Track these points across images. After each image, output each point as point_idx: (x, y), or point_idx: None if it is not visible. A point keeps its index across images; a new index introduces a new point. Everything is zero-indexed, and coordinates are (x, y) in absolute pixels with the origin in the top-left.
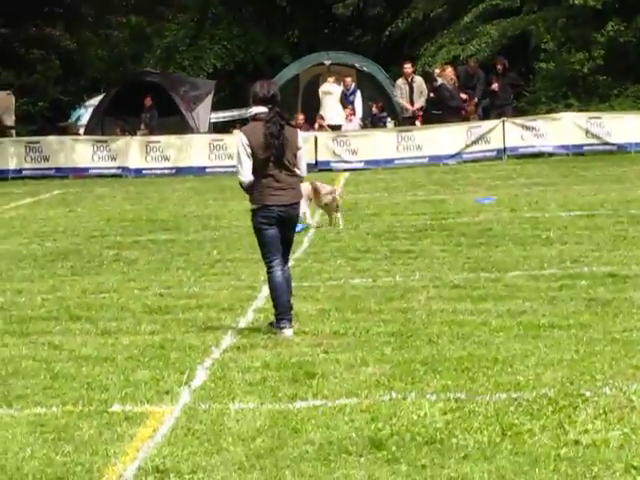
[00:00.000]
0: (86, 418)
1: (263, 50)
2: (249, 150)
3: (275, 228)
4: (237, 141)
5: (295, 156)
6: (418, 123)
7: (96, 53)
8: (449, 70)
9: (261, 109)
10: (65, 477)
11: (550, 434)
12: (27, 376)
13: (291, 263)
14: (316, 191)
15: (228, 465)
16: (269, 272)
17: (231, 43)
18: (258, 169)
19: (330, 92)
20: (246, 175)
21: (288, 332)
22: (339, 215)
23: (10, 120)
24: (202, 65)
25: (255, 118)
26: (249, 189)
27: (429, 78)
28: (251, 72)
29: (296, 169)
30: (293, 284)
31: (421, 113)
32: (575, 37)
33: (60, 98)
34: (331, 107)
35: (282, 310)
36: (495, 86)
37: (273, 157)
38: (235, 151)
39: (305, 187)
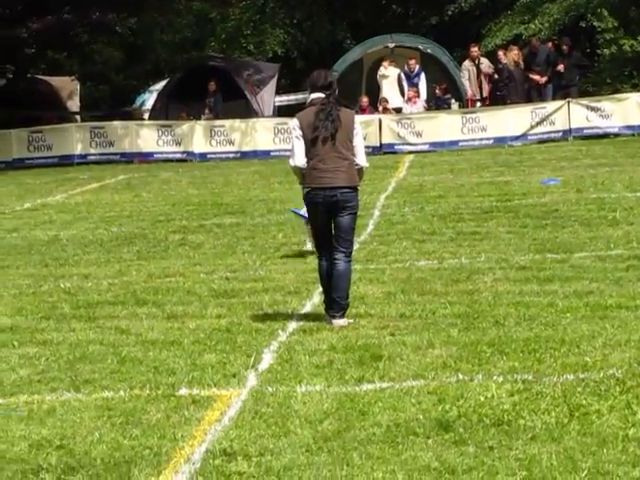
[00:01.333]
0: (154, 402)
1: (326, 35)
2: (299, 132)
3: (324, 214)
4: (290, 125)
5: (350, 141)
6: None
7: (160, 38)
8: (514, 52)
9: (318, 95)
10: (133, 461)
11: (618, 415)
12: (94, 360)
13: (356, 246)
14: None
15: (295, 447)
16: (318, 260)
17: (293, 27)
18: (308, 151)
19: (387, 75)
20: (296, 158)
21: (336, 322)
22: None
23: (75, 106)
24: (265, 49)
25: (312, 103)
26: (302, 173)
27: (494, 59)
28: (314, 56)
29: (350, 154)
30: (359, 267)
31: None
32: (637, 18)
33: (124, 83)
34: (390, 90)
35: (327, 301)
36: (561, 67)
37: (323, 138)
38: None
39: None
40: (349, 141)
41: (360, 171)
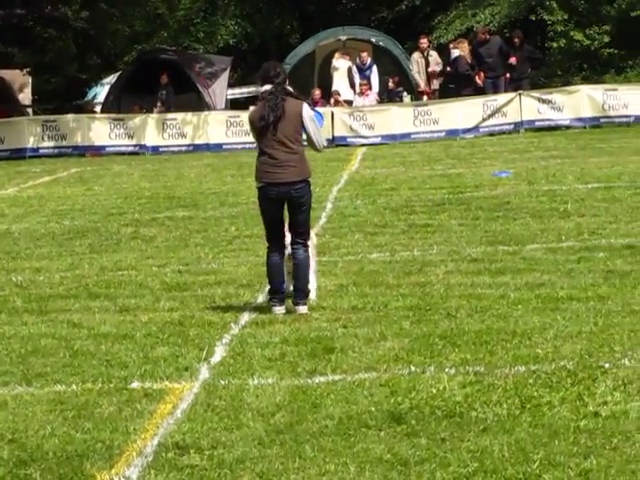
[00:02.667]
0: (106, 395)
1: (274, 28)
2: (250, 126)
3: (277, 208)
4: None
5: (298, 133)
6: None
7: (112, 31)
8: (464, 45)
9: (268, 87)
10: (85, 454)
11: (569, 406)
12: (46, 354)
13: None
14: None
15: (248, 440)
16: (268, 253)
17: (244, 19)
18: (259, 146)
19: (337, 68)
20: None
21: (300, 308)
22: None
23: (27, 99)
24: (216, 38)
25: (262, 97)
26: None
27: (444, 52)
28: (264, 49)
29: (299, 146)
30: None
31: (437, 88)
32: (586, 11)
33: (76, 76)
34: (340, 83)
35: (272, 290)
36: (513, 60)
37: (268, 131)
38: None
39: None
40: (297, 133)
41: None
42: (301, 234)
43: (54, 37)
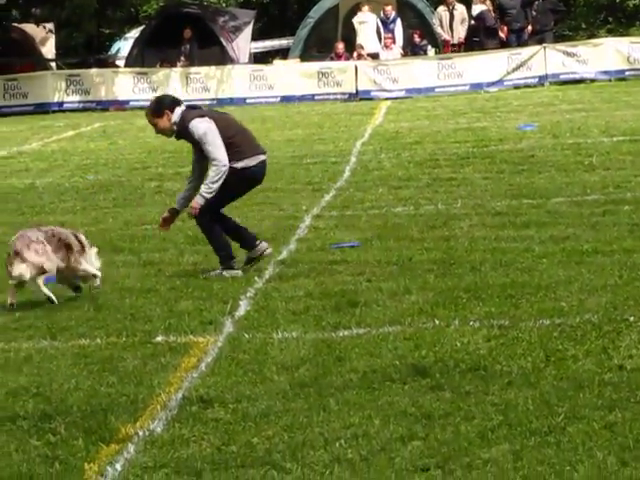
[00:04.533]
0: (130, 349)
1: None
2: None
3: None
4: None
5: None
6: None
7: None
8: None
9: (182, 107)
10: (110, 408)
11: (594, 359)
12: (71, 308)
13: (332, 193)
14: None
15: (272, 394)
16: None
17: None
18: (230, 141)
19: (365, 21)
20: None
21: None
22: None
23: (50, 54)
24: None
25: (201, 112)
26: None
27: (468, 5)
28: (288, 2)
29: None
30: (335, 213)
31: (463, 41)
32: None
33: (100, 31)
34: (367, 36)
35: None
36: (534, 12)
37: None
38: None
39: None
40: None
41: None
42: None
43: None
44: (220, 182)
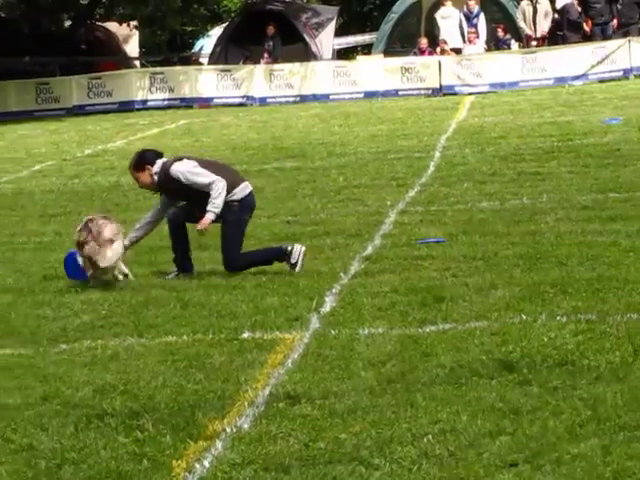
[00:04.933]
0: (217, 346)
1: None
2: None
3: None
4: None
5: None
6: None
7: None
8: None
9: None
10: (197, 405)
11: None
12: (157, 305)
13: (417, 188)
14: None
15: (359, 390)
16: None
17: None
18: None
19: (448, 16)
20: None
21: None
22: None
23: (134, 52)
24: None
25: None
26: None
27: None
28: None
29: None
30: (420, 208)
31: (546, 35)
32: None
33: (183, 28)
34: (450, 31)
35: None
36: (620, 5)
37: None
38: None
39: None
40: None
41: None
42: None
43: None
44: (222, 196)
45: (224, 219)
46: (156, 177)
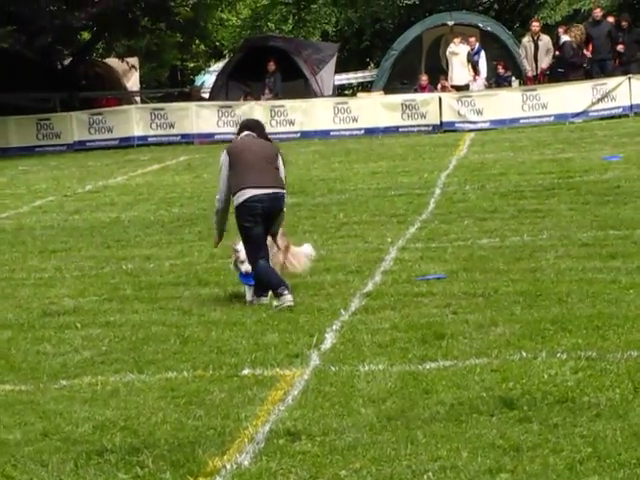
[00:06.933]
0: (217, 382)
1: (374, 12)
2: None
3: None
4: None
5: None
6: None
7: (218, 18)
8: (578, 29)
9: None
10: (197, 441)
11: None
12: (157, 341)
13: (418, 225)
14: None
15: (359, 427)
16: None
17: (344, 6)
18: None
19: (457, 52)
20: None
21: (289, 297)
22: None
23: (135, 87)
24: (318, 28)
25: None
26: None
27: (553, 36)
28: (362, 34)
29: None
30: (420, 245)
31: (547, 72)
32: None
33: (183, 64)
34: (458, 68)
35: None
36: (621, 47)
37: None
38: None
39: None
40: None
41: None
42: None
43: (159, 26)
44: (216, 216)
45: None
46: None
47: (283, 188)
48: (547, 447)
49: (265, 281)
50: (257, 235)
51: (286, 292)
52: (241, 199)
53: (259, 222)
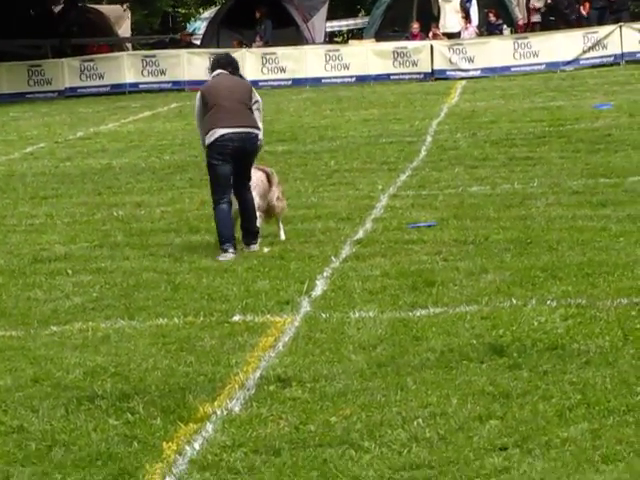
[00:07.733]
0: (207, 329)
1: None
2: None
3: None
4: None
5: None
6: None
7: None
8: None
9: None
10: (188, 387)
11: None
12: (148, 288)
13: (408, 173)
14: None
15: (349, 373)
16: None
17: None
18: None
19: (449, 0)
20: None
21: (254, 247)
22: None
23: (126, 34)
24: None
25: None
26: None
27: None
28: None
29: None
30: (411, 192)
31: (539, 20)
32: None
33: (176, 11)
34: (450, 15)
35: (229, 235)
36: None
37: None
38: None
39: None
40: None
41: None
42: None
43: None
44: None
45: None
46: None
47: (257, 128)
48: (537, 394)
49: (217, 227)
50: (223, 174)
51: (230, 250)
52: (212, 138)
53: (228, 161)
